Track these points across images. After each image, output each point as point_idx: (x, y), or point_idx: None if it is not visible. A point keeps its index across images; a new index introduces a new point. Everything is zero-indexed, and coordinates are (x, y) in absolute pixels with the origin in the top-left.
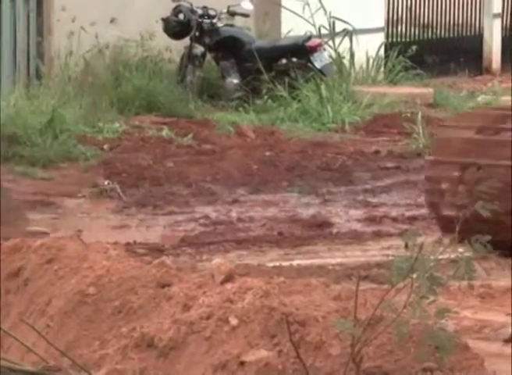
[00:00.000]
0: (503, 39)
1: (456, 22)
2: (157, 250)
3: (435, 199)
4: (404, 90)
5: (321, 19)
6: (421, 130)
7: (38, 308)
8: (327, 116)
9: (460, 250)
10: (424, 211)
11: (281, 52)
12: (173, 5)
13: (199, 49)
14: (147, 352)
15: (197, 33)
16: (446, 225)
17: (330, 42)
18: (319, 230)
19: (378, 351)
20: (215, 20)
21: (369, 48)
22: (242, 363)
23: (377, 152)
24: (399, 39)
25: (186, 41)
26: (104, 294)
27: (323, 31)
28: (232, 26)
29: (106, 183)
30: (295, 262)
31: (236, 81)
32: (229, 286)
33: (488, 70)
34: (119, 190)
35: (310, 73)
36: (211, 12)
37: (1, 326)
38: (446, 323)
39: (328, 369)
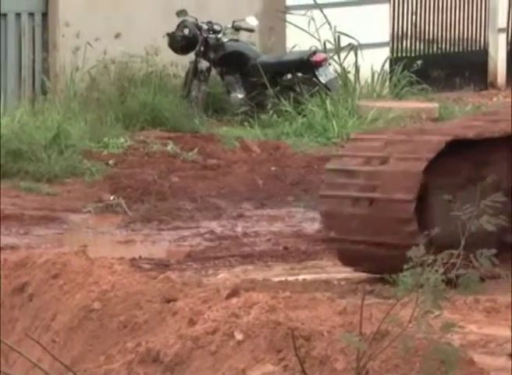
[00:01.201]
0: (508, 54)
1: (461, 37)
2: (162, 265)
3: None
4: (409, 104)
5: (327, 34)
6: None
7: (43, 323)
8: (332, 131)
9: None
10: None
11: (286, 67)
12: (178, 20)
13: (204, 64)
14: (152, 367)
15: (202, 48)
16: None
17: (335, 57)
18: (325, 244)
19: (383, 365)
20: (220, 35)
21: (374, 62)
22: None
23: None
24: (404, 54)
25: (192, 55)
26: (110, 309)
27: (328, 46)
28: (237, 41)
29: (111, 198)
30: (300, 277)
31: (241, 96)
32: (234, 301)
33: (493, 85)
34: (124, 205)
35: (315, 87)
36: (216, 27)
37: (7, 341)
38: (451, 337)
39: None
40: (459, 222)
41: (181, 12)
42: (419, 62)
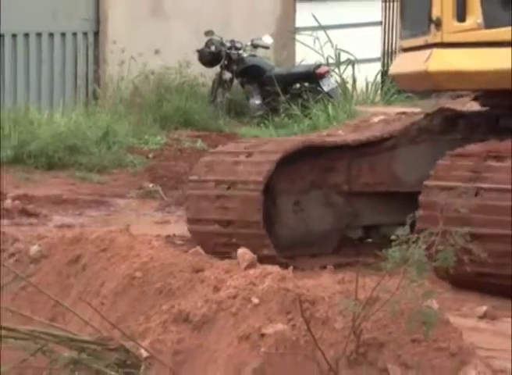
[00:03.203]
0: None
1: None
2: (192, 242)
3: (195, 216)
4: (397, 109)
5: (329, 51)
6: None
7: (94, 289)
8: None
9: None
10: None
11: (295, 78)
12: (206, 38)
13: (227, 75)
14: (183, 326)
15: (225, 62)
16: (202, 240)
17: (336, 70)
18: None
19: (374, 325)
20: (240, 51)
21: (368, 74)
22: (262, 335)
23: None
24: None
25: (217, 68)
26: (149, 278)
27: (330, 61)
28: (255, 56)
29: (150, 186)
30: None
31: (258, 102)
32: (251, 271)
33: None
34: (161, 191)
35: (319, 95)
36: (238, 45)
37: (64, 304)
38: (431, 302)
39: (333, 340)
40: (301, 222)
41: (208, 32)
42: None
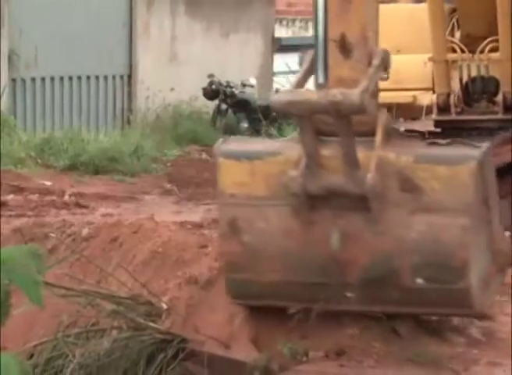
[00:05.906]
0: None
1: None
2: (198, 226)
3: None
4: None
5: None
6: None
7: (128, 260)
8: None
9: None
10: None
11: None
12: (209, 79)
13: (224, 106)
14: (193, 287)
15: (223, 97)
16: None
17: None
18: None
19: None
20: (233, 89)
21: None
22: None
23: None
24: None
25: (216, 101)
26: (167, 252)
27: None
28: (244, 92)
29: (168, 186)
30: None
31: (246, 125)
32: None
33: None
34: (176, 190)
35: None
36: (232, 84)
37: (107, 270)
38: None
39: None
40: None
41: (210, 75)
42: None
